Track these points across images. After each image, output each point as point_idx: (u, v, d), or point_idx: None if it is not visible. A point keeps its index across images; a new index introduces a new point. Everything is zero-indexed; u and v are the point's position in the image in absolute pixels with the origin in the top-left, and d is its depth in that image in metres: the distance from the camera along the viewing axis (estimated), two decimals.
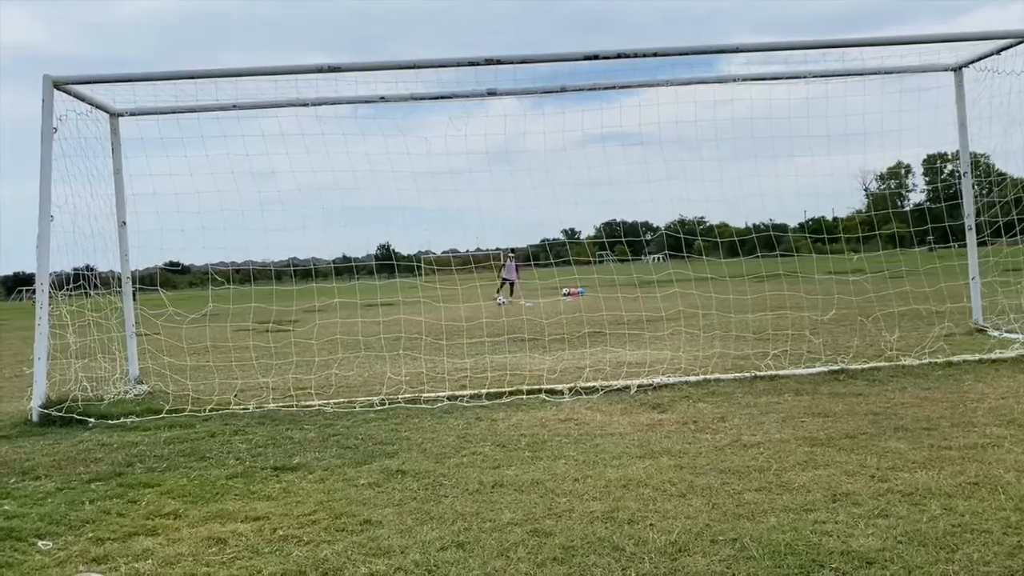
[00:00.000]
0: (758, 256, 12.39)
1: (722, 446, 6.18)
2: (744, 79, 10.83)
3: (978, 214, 11.56)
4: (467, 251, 18.13)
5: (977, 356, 9.52)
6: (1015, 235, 10.94)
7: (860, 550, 3.95)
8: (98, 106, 10.37)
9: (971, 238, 11.50)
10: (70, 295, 9.84)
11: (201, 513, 5.16)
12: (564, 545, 4.25)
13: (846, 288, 12.70)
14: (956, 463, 5.33)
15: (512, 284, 28.32)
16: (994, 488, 4.76)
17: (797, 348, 10.73)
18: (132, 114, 10.73)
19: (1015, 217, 10.87)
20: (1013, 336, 10.59)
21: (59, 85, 9.43)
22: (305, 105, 10.49)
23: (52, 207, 9.22)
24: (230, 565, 4.23)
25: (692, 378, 9.26)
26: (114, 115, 10.73)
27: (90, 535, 4.83)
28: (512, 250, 26.93)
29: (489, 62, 9.43)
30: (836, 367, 9.36)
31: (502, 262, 28.30)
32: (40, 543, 4.72)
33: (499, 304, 24.70)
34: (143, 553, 4.46)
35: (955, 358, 9.49)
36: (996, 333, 11.10)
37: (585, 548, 4.20)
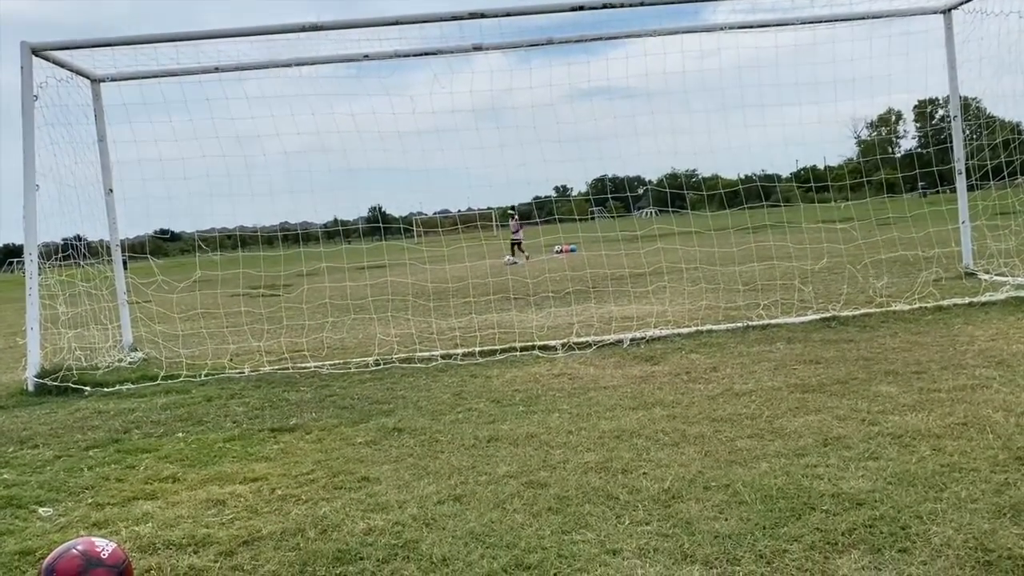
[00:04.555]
0: (743, 208, 12.36)
1: (714, 395, 6.24)
2: (731, 27, 10.70)
3: (969, 157, 11.53)
4: (458, 211, 18.11)
5: (967, 300, 9.55)
6: (1003, 178, 10.92)
7: (850, 492, 4.00)
8: (79, 72, 10.24)
9: (961, 182, 11.48)
10: (59, 265, 9.80)
11: (199, 476, 5.20)
12: (559, 495, 4.30)
13: (836, 236, 12.71)
14: (945, 405, 5.39)
15: (518, 243, 28.35)
16: (982, 428, 4.82)
17: (788, 297, 10.77)
18: (114, 79, 10.60)
19: (1003, 160, 10.84)
20: (1003, 279, 10.63)
21: (38, 52, 9.28)
22: (288, 66, 10.36)
23: (37, 176, 9.14)
24: (229, 526, 4.27)
25: (684, 330, 9.29)
26: (95, 81, 10.58)
27: (90, 501, 4.87)
28: (513, 208, 27.05)
29: (473, 16, 9.29)
30: (827, 315, 9.40)
31: (513, 223, 28.52)
32: (41, 510, 4.76)
33: (507, 264, 24.85)
34: (143, 517, 4.50)
35: (945, 302, 9.53)
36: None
37: (580, 498, 4.25)
